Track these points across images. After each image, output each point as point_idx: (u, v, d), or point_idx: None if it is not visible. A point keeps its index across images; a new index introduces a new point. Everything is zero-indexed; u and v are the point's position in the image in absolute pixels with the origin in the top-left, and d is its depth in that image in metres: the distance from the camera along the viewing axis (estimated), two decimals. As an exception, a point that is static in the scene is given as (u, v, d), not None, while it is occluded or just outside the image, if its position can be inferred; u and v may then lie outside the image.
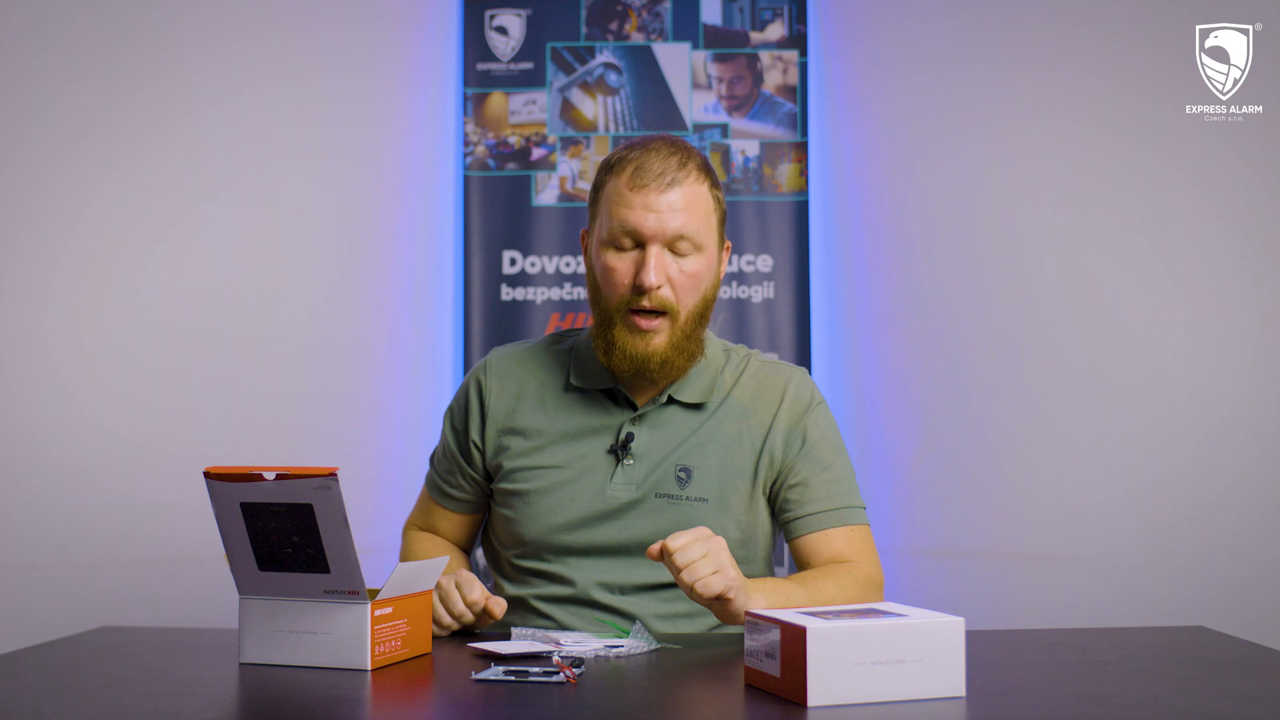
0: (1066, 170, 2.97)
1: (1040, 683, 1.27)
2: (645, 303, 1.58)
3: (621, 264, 1.60)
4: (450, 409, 1.79)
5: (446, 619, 1.52)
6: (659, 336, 1.60)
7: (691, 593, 1.40)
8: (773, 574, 1.76)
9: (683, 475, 1.64)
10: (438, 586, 1.52)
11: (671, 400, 1.67)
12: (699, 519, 1.63)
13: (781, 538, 1.75)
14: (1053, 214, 2.97)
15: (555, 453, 1.67)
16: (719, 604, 1.41)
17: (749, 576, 1.63)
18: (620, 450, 1.65)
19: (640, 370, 1.61)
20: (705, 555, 1.39)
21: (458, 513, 1.79)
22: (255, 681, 1.29)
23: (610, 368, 1.65)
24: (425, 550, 1.77)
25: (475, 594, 1.52)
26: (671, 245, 1.59)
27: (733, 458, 1.66)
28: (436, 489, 1.80)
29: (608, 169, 1.64)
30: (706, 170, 1.64)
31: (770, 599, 1.47)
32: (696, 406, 1.68)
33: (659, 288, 1.58)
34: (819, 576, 1.58)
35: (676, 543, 1.40)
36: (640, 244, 1.59)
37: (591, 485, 1.65)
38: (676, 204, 1.58)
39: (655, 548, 1.41)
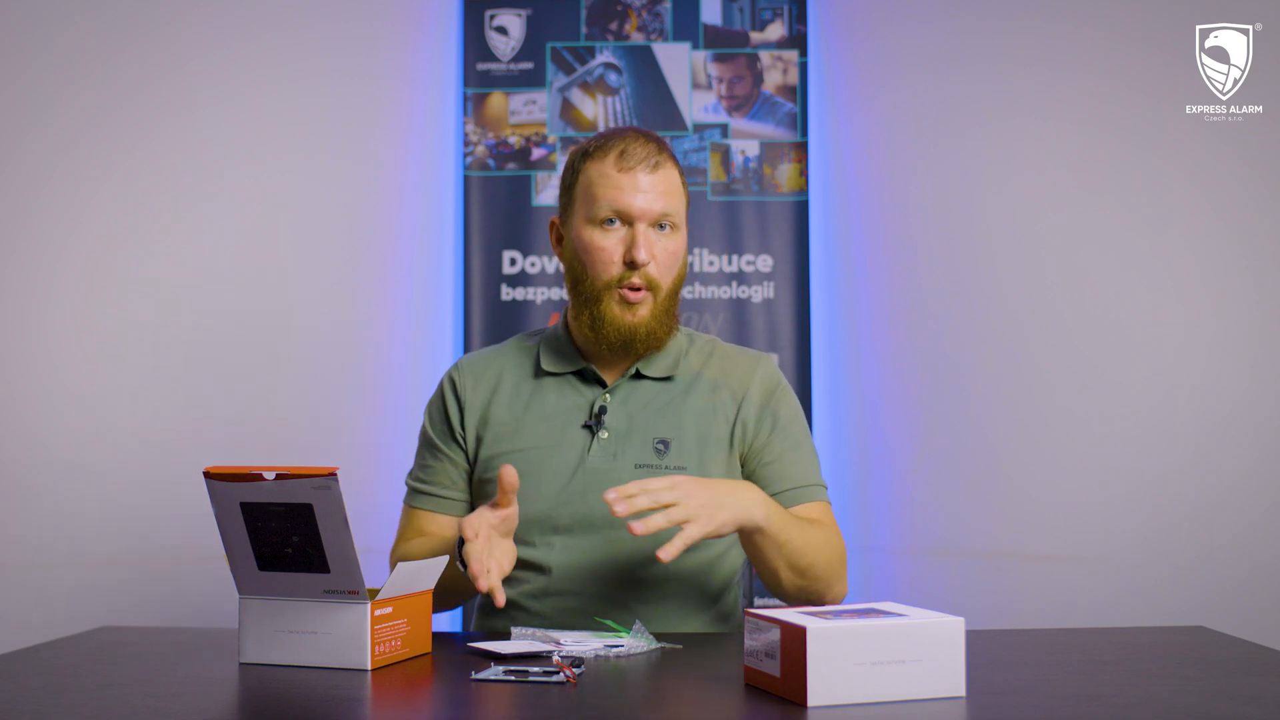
0: (1066, 170, 2.97)
1: (1040, 683, 1.27)
2: (635, 279, 1.66)
3: (609, 242, 1.67)
4: (427, 414, 1.82)
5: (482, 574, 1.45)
6: (644, 308, 1.68)
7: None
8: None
9: (660, 447, 1.69)
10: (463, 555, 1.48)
11: (640, 375, 1.73)
12: None
13: None
14: (1053, 214, 2.97)
15: (532, 434, 1.71)
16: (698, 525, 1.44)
17: (728, 547, 1.72)
18: (595, 423, 1.69)
19: (628, 342, 1.68)
20: (675, 503, 1.41)
21: (444, 514, 1.77)
22: (255, 681, 1.29)
23: (598, 341, 1.69)
24: (415, 551, 1.74)
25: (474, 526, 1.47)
26: (655, 224, 1.67)
27: (708, 428, 1.71)
28: (419, 495, 1.78)
29: (586, 155, 1.71)
30: (676, 159, 1.74)
31: (768, 508, 1.51)
32: (664, 380, 1.74)
33: (648, 263, 1.66)
34: (815, 535, 1.62)
35: (630, 490, 1.41)
36: (627, 223, 1.67)
37: (570, 460, 1.68)
38: (660, 185, 1.67)
39: (611, 496, 1.40)
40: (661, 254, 1.67)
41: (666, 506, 1.42)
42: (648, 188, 1.66)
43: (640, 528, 1.40)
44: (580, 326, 1.71)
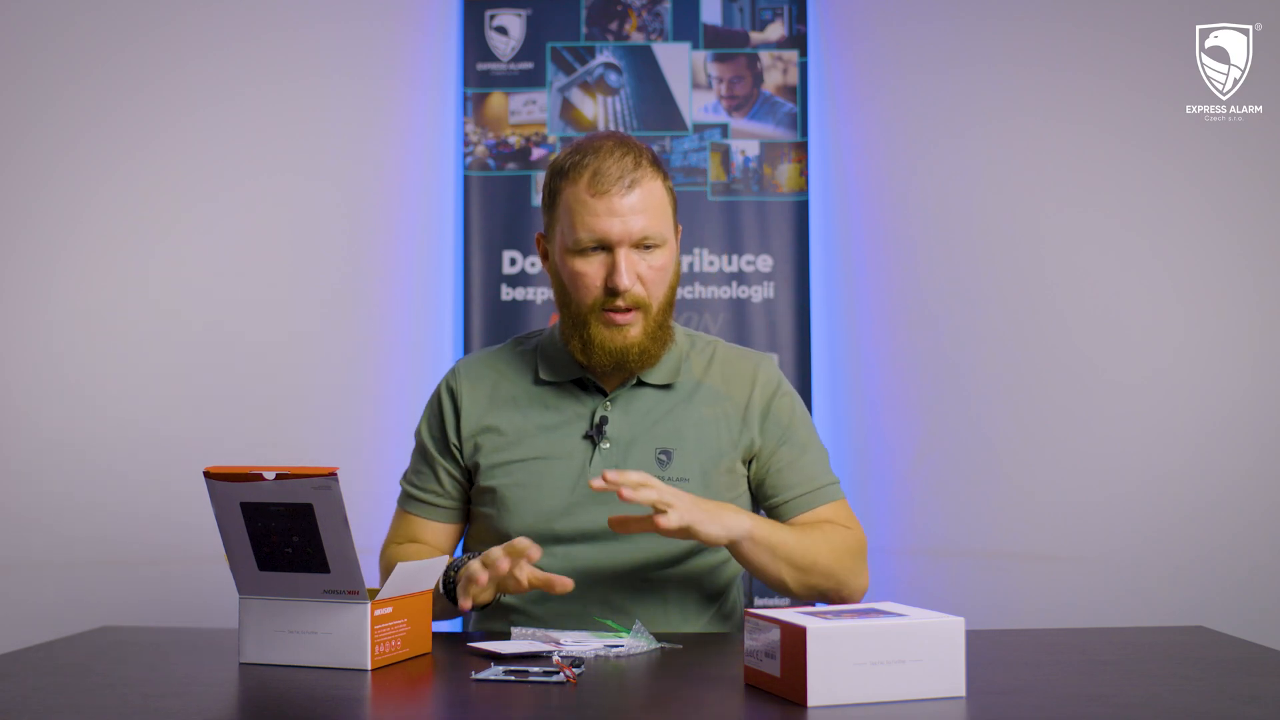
0: (1066, 170, 2.97)
1: (1040, 683, 1.27)
2: (620, 303, 1.63)
3: (590, 268, 1.64)
4: (424, 419, 1.80)
5: (484, 578, 1.47)
6: (634, 328, 1.65)
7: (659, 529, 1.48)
8: None
9: (663, 458, 1.68)
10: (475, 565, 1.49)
11: (641, 383, 1.72)
12: None
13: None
14: (1053, 214, 2.97)
15: (532, 445, 1.69)
16: (689, 530, 1.50)
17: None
18: (596, 434, 1.68)
19: (620, 362, 1.66)
20: (657, 498, 1.48)
21: (437, 521, 1.77)
22: (255, 681, 1.29)
23: (590, 364, 1.68)
24: (411, 555, 1.74)
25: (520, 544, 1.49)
26: (637, 244, 1.63)
27: (711, 439, 1.70)
28: (413, 500, 1.78)
29: (562, 175, 1.66)
30: (656, 164, 1.68)
31: (754, 519, 1.57)
32: (665, 388, 1.72)
33: (631, 288, 1.63)
34: (815, 534, 1.64)
35: (629, 478, 1.47)
36: (606, 247, 1.63)
37: (571, 472, 1.67)
38: (638, 205, 1.62)
39: (598, 483, 1.46)
40: (647, 272, 1.64)
41: (658, 510, 1.48)
42: (624, 211, 1.61)
43: (620, 529, 1.50)
44: (573, 349, 1.69)
